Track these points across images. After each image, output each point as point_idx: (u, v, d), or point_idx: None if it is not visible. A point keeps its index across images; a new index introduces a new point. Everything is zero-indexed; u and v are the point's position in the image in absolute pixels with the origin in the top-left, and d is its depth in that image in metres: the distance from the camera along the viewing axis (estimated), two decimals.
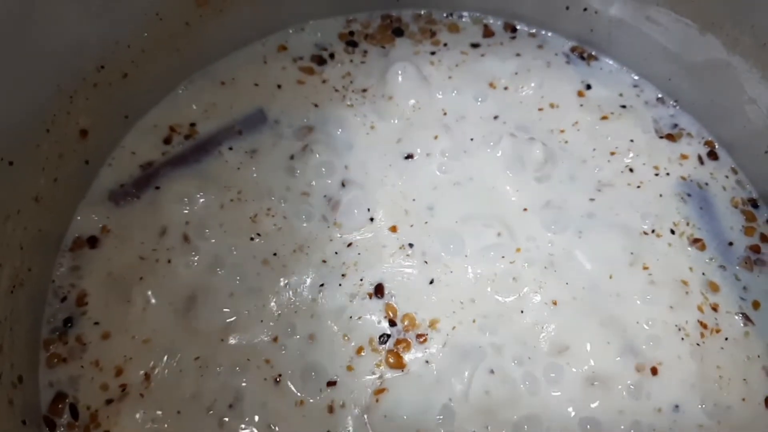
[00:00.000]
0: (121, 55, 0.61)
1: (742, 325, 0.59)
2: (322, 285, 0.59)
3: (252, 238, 0.61)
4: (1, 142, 0.50)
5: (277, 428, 0.54)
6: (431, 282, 0.59)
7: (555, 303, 0.58)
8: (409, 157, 0.66)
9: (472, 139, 0.66)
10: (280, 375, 0.56)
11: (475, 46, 0.74)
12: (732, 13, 0.60)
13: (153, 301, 0.59)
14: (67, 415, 0.54)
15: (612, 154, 0.67)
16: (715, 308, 0.60)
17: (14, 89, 0.50)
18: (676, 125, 0.69)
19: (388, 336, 0.57)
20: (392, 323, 0.57)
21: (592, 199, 0.64)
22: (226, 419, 0.54)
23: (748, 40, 0.60)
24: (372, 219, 0.62)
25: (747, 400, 0.56)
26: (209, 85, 0.70)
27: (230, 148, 0.66)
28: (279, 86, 0.71)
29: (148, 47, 0.63)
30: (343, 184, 0.64)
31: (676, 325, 0.58)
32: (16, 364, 0.52)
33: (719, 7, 0.60)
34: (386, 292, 0.58)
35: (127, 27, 0.60)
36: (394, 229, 0.61)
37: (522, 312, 0.58)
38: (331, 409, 0.55)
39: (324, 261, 0.60)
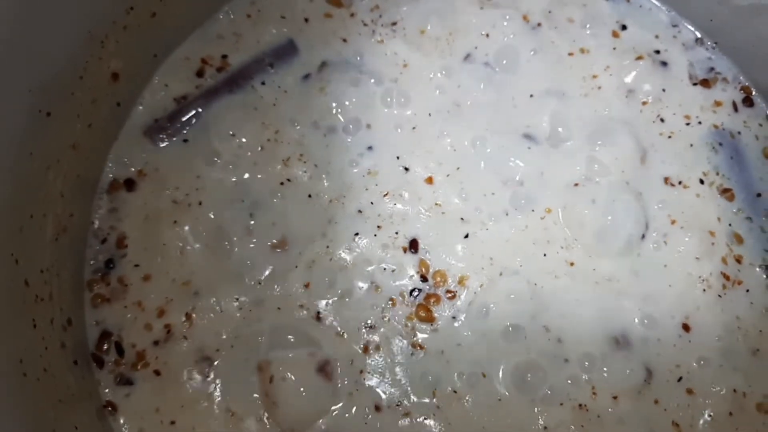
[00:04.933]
0: None
1: (764, 277, 0.61)
2: (357, 234, 0.60)
3: (282, 183, 0.62)
4: (39, 94, 0.50)
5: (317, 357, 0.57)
6: (466, 236, 0.60)
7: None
8: (444, 99, 0.65)
9: (507, 85, 0.65)
10: (318, 313, 0.58)
11: None
12: None
13: (189, 244, 0.60)
14: (113, 353, 0.57)
15: (644, 104, 0.66)
16: (738, 260, 0.61)
17: (50, 40, 0.50)
18: (712, 69, 0.68)
19: (420, 290, 0.59)
20: (424, 278, 0.59)
21: (624, 145, 0.64)
22: (268, 357, 0.57)
23: None
24: (407, 168, 0.62)
25: (761, 351, 0.59)
26: (236, 19, 0.68)
27: (263, 83, 0.65)
28: (306, 20, 0.69)
29: None
30: (376, 131, 0.64)
31: (699, 276, 0.60)
32: (64, 307, 0.54)
33: None
34: (420, 247, 0.60)
35: None
36: (430, 180, 0.62)
37: (551, 267, 0.60)
38: (366, 349, 0.57)
39: (360, 211, 0.61)
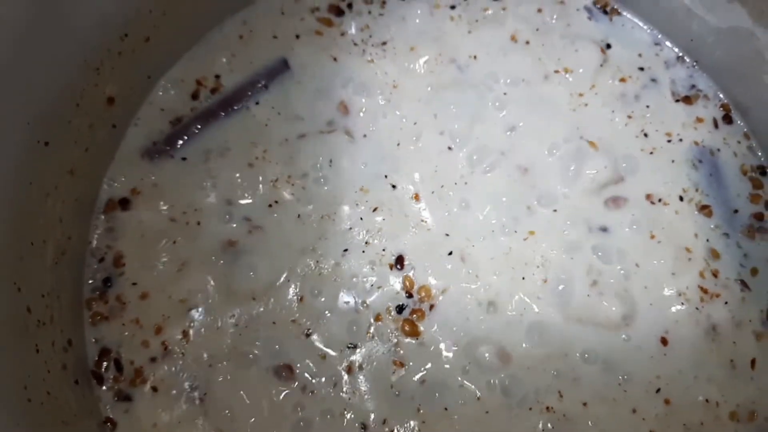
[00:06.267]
0: (143, 21, 0.61)
1: (739, 291, 0.63)
2: (346, 250, 0.62)
3: (270, 205, 0.64)
4: (38, 125, 0.51)
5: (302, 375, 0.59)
6: (450, 253, 0.62)
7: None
8: (433, 119, 0.67)
9: (496, 105, 0.67)
10: (308, 330, 0.60)
11: None
12: None
13: (184, 261, 0.62)
14: (113, 370, 0.59)
15: (629, 117, 0.68)
16: (715, 274, 0.63)
17: (47, 72, 0.52)
18: (693, 86, 0.70)
19: (405, 306, 0.61)
20: (409, 294, 0.61)
21: (607, 161, 0.66)
22: (264, 372, 0.59)
23: None
24: (394, 186, 0.64)
25: (734, 361, 0.61)
26: (229, 40, 0.70)
27: (257, 103, 0.67)
28: (297, 36, 0.70)
29: (168, 9, 0.63)
30: (365, 149, 0.66)
31: (677, 291, 0.62)
32: (65, 328, 0.56)
33: None
34: (406, 263, 0.62)
35: None
36: (416, 197, 0.64)
37: (533, 286, 0.62)
38: (350, 369, 0.59)
39: (350, 228, 0.63)
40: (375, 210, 0.64)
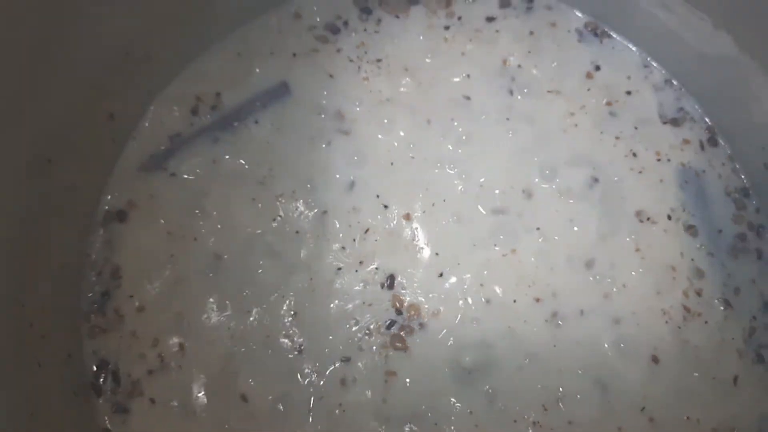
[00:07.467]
0: (145, 39, 0.62)
1: (722, 309, 0.65)
2: (339, 269, 0.63)
3: (274, 219, 0.65)
4: (42, 144, 0.53)
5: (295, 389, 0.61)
6: (440, 275, 0.63)
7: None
8: (424, 140, 0.68)
9: (488, 126, 0.69)
10: (301, 345, 0.61)
11: (490, 19, 0.74)
12: (745, 16, 0.61)
13: (181, 275, 0.63)
14: (110, 382, 0.60)
15: (617, 138, 0.69)
16: (699, 293, 0.65)
17: (53, 93, 0.53)
18: (681, 109, 0.71)
19: (394, 322, 0.62)
20: (399, 312, 0.62)
21: (596, 180, 0.68)
22: (258, 385, 0.60)
23: (759, 43, 0.61)
24: (386, 206, 0.66)
25: (717, 379, 0.63)
26: (227, 56, 0.71)
27: (256, 122, 0.68)
28: (294, 54, 0.72)
29: (169, 27, 0.64)
30: (359, 169, 0.67)
31: (662, 309, 0.64)
32: (65, 341, 0.57)
33: (733, 8, 0.61)
34: (397, 283, 0.63)
35: (148, 12, 0.61)
36: (407, 217, 0.65)
37: (520, 305, 0.63)
38: (343, 382, 0.61)
39: (344, 247, 0.64)
40: (368, 230, 0.65)
